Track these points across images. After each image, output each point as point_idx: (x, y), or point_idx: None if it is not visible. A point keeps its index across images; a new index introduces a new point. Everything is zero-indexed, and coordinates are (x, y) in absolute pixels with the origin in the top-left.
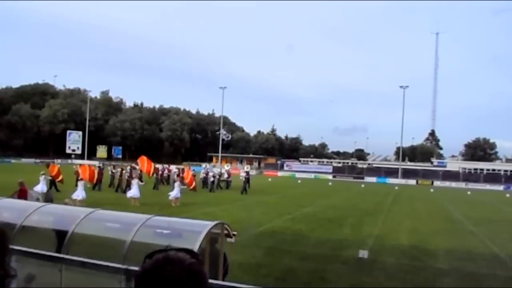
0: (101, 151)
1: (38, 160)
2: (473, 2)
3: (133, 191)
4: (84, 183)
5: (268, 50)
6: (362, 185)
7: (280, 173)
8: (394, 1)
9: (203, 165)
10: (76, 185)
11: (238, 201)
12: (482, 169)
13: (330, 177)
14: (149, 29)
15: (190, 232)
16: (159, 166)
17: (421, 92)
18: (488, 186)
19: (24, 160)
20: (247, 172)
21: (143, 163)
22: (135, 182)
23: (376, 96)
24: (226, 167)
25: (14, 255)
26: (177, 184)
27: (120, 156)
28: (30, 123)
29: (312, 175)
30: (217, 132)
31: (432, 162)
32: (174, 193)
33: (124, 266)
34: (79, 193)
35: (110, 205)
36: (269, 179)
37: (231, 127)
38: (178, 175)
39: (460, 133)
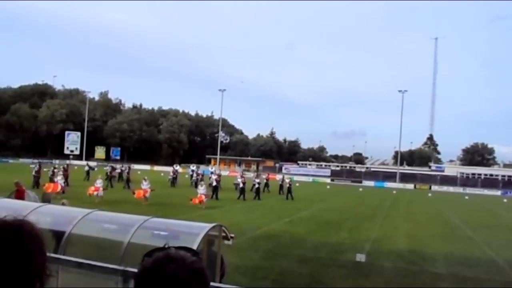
0: (100, 152)
1: (36, 160)
2: (471, 8)
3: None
4: (102, 181)
5: (267, 53)
6: (360, 189)
7: (278, 176)
8: (394, 5)
9: (175, 166)
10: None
11: (236, 203)
12: (480, 174)
13: (328, 180)
14: (148, 31)
15: (188, 234)
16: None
17: (419, 96)
18: (485, 191)
19: (22, 160)
20: (290, 179)
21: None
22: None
23: (375, 100)
24: (192, 166)
25: None
26: (201, 183)
27: (118, 157)
28: (28, 123)
29: (310, 179)
30: (216, 134)
31: (430, 167)
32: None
33: (121, 267)
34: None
35: (108, 206)
36: None
37: (230, 129)
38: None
39: (458, 138)
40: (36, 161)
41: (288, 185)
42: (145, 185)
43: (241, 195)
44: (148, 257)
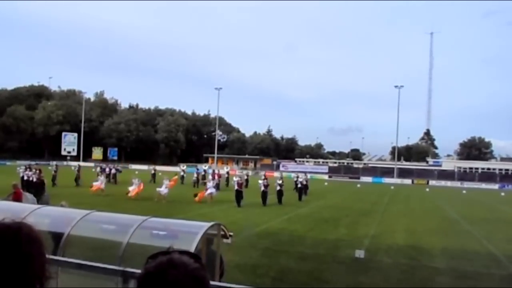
0: (97, 152)
1: (33, 162)
2: (465, 3)
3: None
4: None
5: (263, 51)
6: (358, 185)
7: (276, 174)
8: (389, 1)
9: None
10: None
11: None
12: (477, 168)
13: (326, 177)
14: (144, 31)
15: (187, 233)
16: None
17: (416, 92)
18: (483, 185)
19: (19, 162)
20: (306, 179)
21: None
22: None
23: (371, 96)
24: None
25: None
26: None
27: (115, 158)
28: (24, 125)
29: (308, 175)
30: (213, 133)
31: (427, 162)
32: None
33: (121, 268)
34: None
35: (106, 207)
36: None
37: (227, 128)
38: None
39: (455, 132)
40: (27, 163)
41: (301, 185)
42: (164, 184)
43: (264, 201)
44: (152, 259)
